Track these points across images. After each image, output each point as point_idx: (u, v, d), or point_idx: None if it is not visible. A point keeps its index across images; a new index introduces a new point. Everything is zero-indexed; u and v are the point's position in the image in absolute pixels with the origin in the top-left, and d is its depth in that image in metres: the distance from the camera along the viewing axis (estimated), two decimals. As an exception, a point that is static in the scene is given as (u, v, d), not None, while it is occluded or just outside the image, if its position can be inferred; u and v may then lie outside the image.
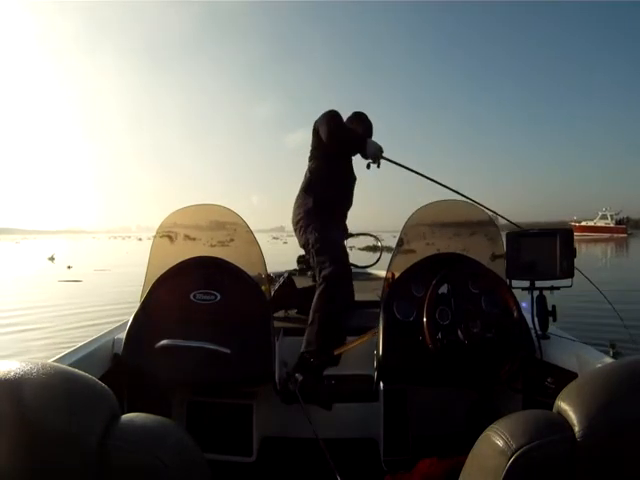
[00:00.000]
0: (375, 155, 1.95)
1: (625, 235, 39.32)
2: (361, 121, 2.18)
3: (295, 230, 2.06)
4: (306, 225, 1.99)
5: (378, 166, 2.00)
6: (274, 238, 50.21)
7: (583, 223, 44.09)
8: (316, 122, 2.06)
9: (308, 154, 2.17)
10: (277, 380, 1.37)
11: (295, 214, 2.07)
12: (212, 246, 1.56)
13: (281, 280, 2.10)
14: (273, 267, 2.38)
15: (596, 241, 31.34)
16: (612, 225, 41.23)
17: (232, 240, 1.59)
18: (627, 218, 44.19)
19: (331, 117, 2.00)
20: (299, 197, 2.10)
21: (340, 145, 2.01)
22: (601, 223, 42.17)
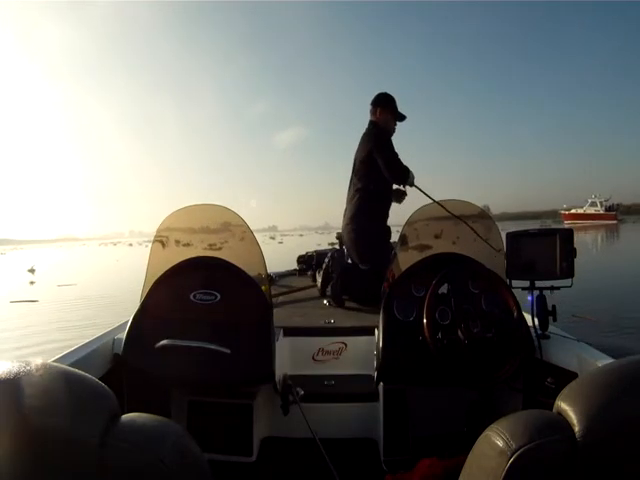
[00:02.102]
0: (411, 184, 2.23)
1: (615, 221, 39.61)
2: (392, 109, 2.40)
3: (366, 248, 2.30)
4: (383, 249, 2.23)
5: (405, 194, 2.34)
6: (271, 238, 49.98)
7: (572, 211, 44.37)
8: (372, 146, 2.26)
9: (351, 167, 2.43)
10: (277, 380, 1.37)
11: (364, 232, 2.30)
12: (212, 246, 1.55)
13: (327, 260, 2.44)
14: (271, 267, 2.40)
15: (586, 228, 31.59)
16: (602, 212, 41.48)
17: (232, 240, 1.57)
18: (618, 205, 44.34)
19: (395, 155, 2.24)
20: (364, 215, 2.32)
21: (398, 182, 2.27)
22: (591, 210, 42.39)
